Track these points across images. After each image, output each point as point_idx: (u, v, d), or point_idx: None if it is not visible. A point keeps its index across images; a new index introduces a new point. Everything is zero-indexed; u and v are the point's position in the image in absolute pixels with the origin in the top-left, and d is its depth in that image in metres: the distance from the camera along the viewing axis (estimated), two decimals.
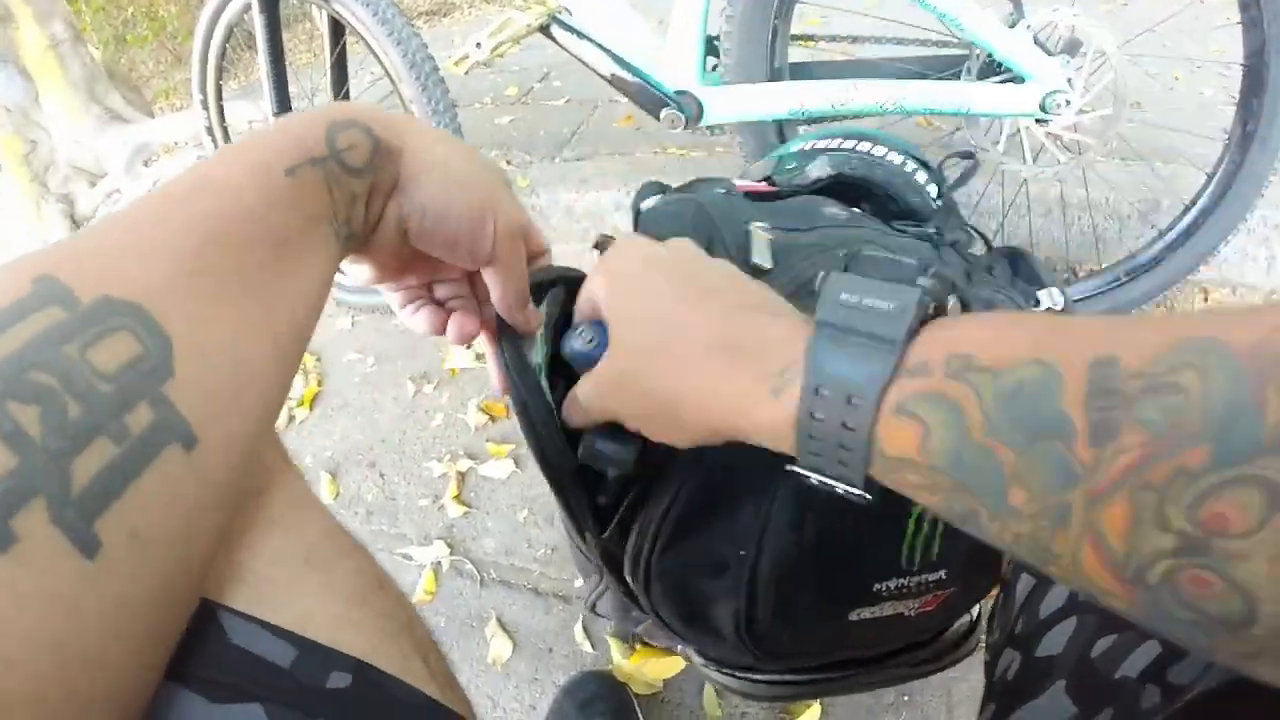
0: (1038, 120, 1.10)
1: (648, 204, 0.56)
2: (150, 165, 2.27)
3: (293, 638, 0.26)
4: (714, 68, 1.16)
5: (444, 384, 1.36)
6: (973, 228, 0.60)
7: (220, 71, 1.52)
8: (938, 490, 0.26)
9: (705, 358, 0.32)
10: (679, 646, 0.64)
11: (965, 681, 0.84)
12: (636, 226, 0.56)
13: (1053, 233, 1.36)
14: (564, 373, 0.43)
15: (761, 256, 0.48)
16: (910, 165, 0.61)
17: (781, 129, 1.17)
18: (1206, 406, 0.20)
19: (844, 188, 0.61)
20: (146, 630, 0.22)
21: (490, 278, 0.39)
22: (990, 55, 1.08)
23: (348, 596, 0.29)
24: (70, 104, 2.24)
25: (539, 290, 0.45)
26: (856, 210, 0.57)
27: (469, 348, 1.33)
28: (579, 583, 0.98)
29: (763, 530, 0.47)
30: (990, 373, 0.24)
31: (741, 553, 0.48)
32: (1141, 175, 1.36)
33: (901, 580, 0.50)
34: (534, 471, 1.16)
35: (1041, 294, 0.52)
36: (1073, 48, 1.06)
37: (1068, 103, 1.05)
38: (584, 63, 1.14)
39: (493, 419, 1.26)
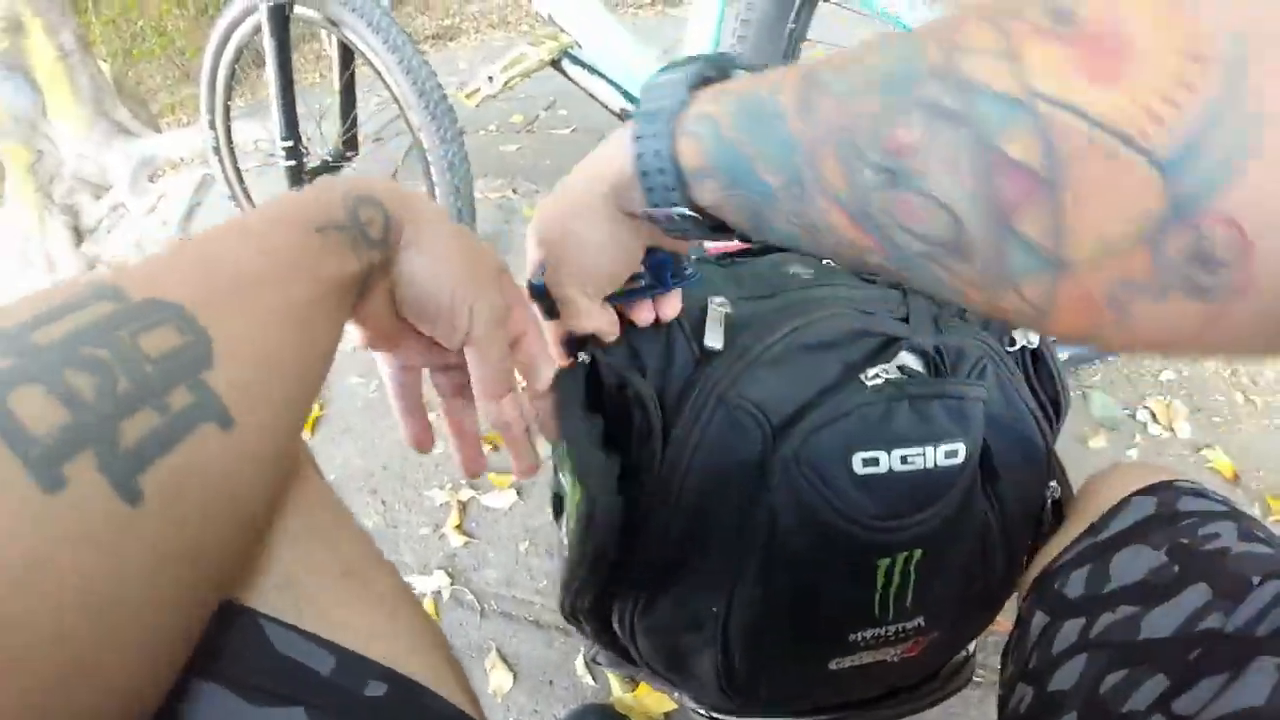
0: None
1: None
2: (155, 180, 2.27)
3: (332, 646, 0.28)
4: None
5: None
6: None
7: (229, 92, 1.53)
8: (730, 196, 0.33)
9: (585, 192, 0.41)
10: (674, 693, 0.64)
11: (965, 718, 0.84)
12: None
13: None
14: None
15: (714, 338, 0.47)
16: None
17: None
18: (882, 67, 0.25)
19: None
20: (175, 588, 0.23)
21: (469, 357, 0.41)
22: None
23: (383, 608, 0.31)
24: (77, 116, 2.25)
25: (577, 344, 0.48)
26: (824, 263, 0.55)
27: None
28: None
29: (733, 586, 0.48)
30: (735, 94, 0.32)
31: (714, 609, 0.49)
32: None
33: (877, 630, 0.51)
34: (536, 502, 1.16)
35: (1016, 332, 0.52)
36: None
37: None
38: (594, 97, 1.15)
39: (495, 448, 1.26)
